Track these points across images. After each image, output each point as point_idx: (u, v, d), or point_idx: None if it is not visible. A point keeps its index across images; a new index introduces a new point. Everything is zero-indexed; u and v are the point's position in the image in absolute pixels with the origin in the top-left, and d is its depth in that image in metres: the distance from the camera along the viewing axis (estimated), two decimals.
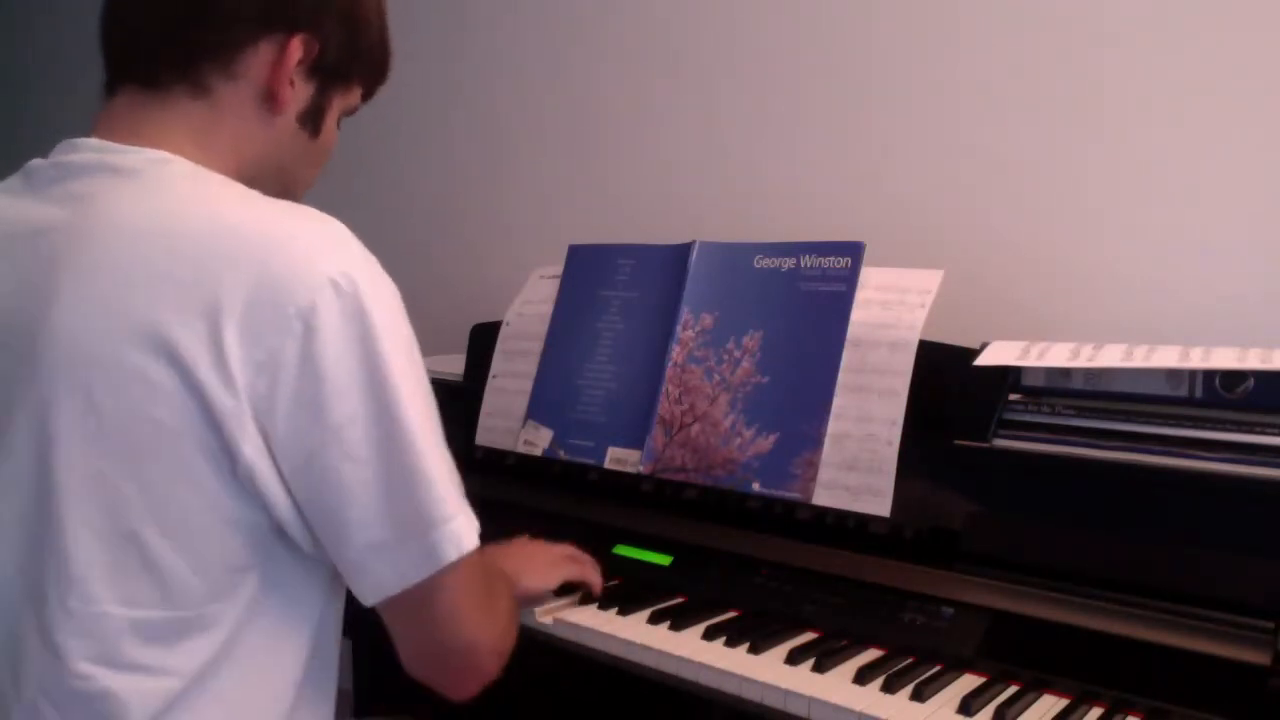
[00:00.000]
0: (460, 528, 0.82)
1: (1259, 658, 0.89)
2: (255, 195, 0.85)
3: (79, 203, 0.83)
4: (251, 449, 0.77)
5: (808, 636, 1.07)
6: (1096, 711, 0.92)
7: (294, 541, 0.82)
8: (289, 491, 0.80)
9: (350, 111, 1.00)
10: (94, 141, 0.86)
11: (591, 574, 1.18)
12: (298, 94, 0.92)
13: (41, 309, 0.79)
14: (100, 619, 0.78)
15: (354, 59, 0.95)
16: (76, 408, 0.77)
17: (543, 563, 1.16)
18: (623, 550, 1.26)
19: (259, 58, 0.89)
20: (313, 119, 0.94)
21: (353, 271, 0.78)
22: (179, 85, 0.88)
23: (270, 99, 0.90)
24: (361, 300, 0.78)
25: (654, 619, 1.11)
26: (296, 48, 0.89)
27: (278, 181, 0.94)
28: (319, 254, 0.78)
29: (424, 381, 0.83)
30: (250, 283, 0.76)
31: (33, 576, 0.79)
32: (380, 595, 0.82)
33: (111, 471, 0.77)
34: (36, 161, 0.88)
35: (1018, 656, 0.99)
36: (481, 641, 0.87)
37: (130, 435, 0.77)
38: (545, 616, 1.13)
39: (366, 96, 1.01)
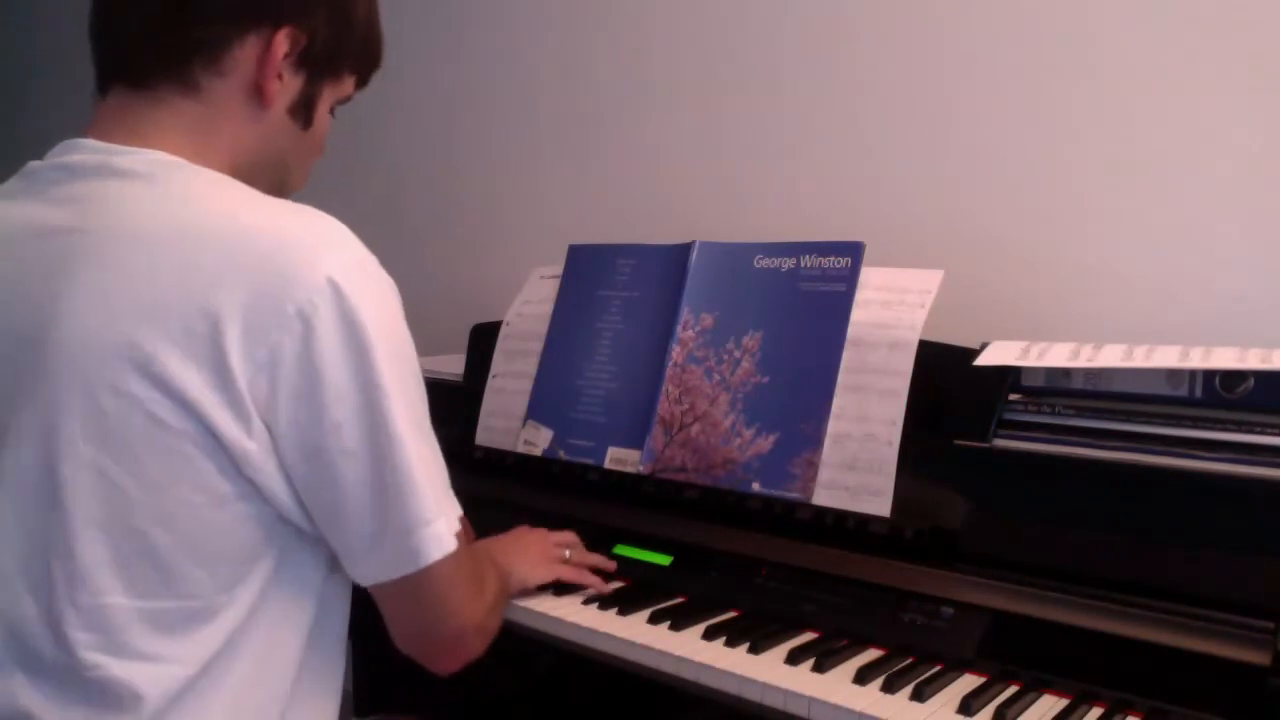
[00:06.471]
0: (441, 530, 0.85)
1: (1259, 658, 0.89)
2: (262, 196, 0.86)
3: (87, 204, 0.83)
4: (257, 445, 0.79)
5: (808, 636, 1.07)
6: (1096, 711, 0.92)
7: (295, 524, 0.85)
8: (290, 482, 0.82)
9: (344, 100, 1.00)
10: (94, 143, 0.86)
11: (589, 578, 1.18)
12: (287, 87, 0.92)
13: (53, 311, 0.80)
14: (108, 610, 0.80)
15: (343, 49, 0.95)
16: (83, 409, 0.78)
17: (537, 555, 1.18)
18: (623, 550, 1.26)
19: (245, 53, 0.89)
20: (304, 111, 0.95)
21: (351, 272, 0.80)
22: (168, 84, 0.88)
23: (258, 94, 0.90)
24: (357, 302, 0.80)
25: (654, 619, 1.11)
26: (282, 41, 0.89)
27: (273, 175, 0.95)
28: (319, 254, 0.80)
29: (415, 381, 0.85)
30: (252, 281, 0.78)
31: (37, 573, 0.80)
32: (370, 581, 0.87)
33: (115, 471, 0.78)
34: (35, 164, 0.88)
35: (1018, 656, 0.99)
36: (467, 626, 0.91)
37: (133, 437, 0.78)
38: (555, 612, 1.13)
39: (361, 84, 1.01)
